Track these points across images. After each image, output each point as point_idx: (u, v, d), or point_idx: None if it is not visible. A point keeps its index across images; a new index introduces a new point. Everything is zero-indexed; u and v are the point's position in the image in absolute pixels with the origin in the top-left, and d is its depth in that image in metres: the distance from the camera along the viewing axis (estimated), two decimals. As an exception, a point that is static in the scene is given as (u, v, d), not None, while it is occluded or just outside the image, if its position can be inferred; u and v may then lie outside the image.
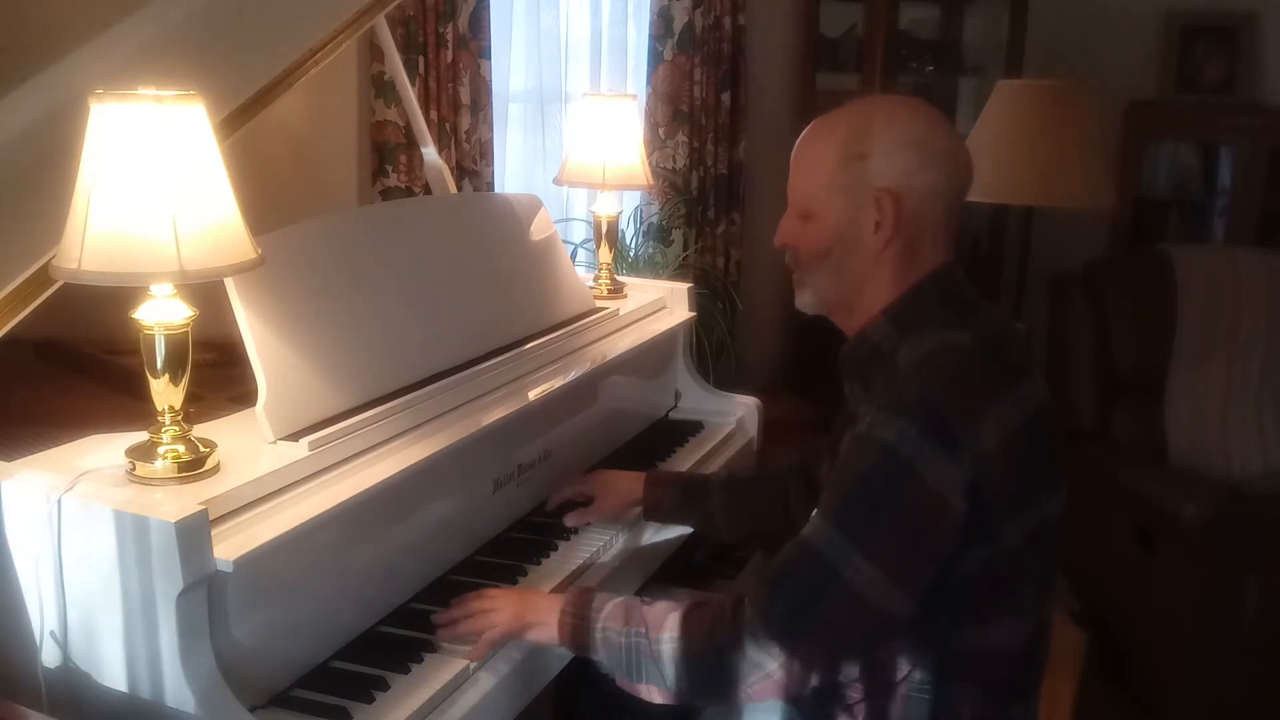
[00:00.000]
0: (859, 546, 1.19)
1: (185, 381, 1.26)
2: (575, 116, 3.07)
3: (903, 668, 1.29)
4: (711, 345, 3.41)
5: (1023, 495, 1.24)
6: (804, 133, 1.38)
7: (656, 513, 1.81)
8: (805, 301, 1.41)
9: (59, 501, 1.20)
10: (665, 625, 1.30)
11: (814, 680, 1.26)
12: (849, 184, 1.31)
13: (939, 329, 1.28)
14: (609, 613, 1.35)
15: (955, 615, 1.27)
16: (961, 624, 1.28)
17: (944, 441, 1.18)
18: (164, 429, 1.27)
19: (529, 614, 1.40)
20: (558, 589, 1.58)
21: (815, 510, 1.25)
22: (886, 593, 1.20)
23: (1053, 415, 1.32)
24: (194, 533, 1.16)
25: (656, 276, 3.12)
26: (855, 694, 1.33)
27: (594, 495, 1.79)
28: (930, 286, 1.32)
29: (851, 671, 1.32)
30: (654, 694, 1.32)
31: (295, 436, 1.37)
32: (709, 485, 1.79)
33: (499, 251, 1.91)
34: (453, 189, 2.29)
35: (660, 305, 2.34)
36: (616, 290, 2.30)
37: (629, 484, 1.81)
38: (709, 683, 1.27)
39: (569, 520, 1.76)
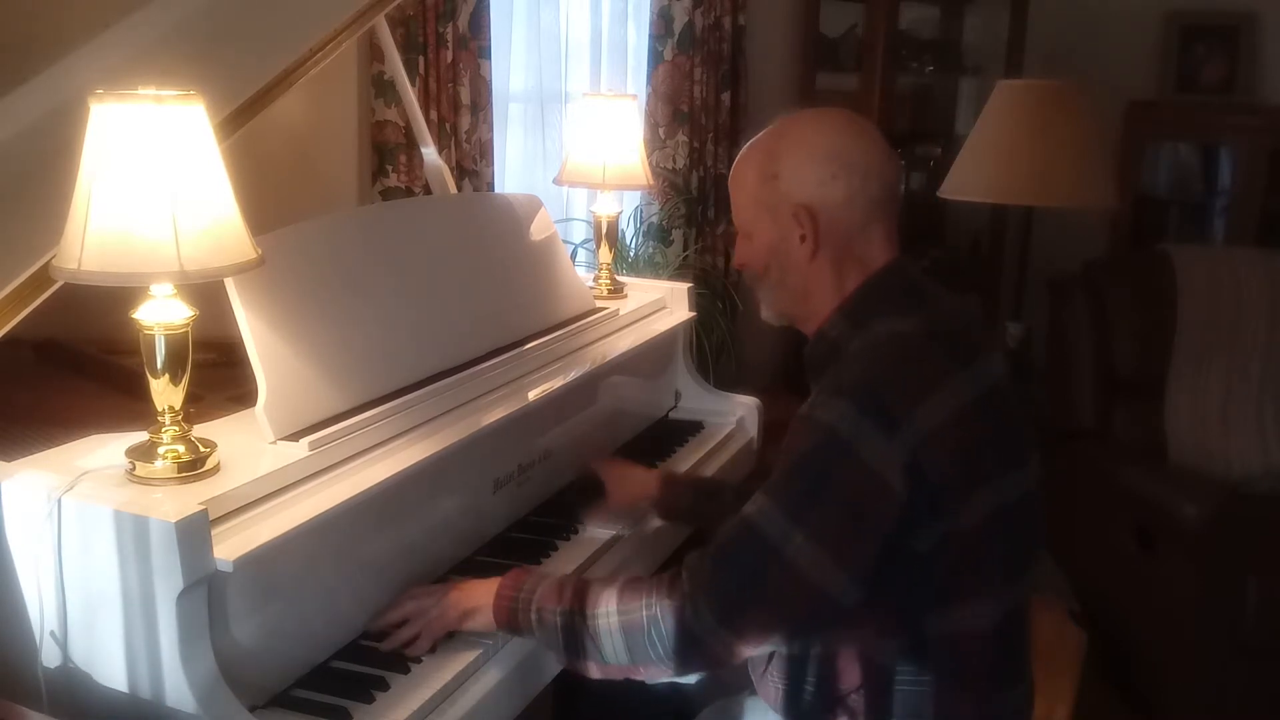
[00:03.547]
0: (800, 525, 1.22)
1: (185, 381, 1.26)
2: (575, 116, 3.06)
3: (883, 657, 1.30)
4: (711, 345, 3.41)
5: (975, 474, 1.26)
6: (737, 156, 1.44)
7: (670, 513, 1.83)
8: (766, 315, 1.48)
9: (59, 501, 1.20)
10: (600, 600, 1.33)
11: (749, 654, 1.30)
12: (770, 203, 1.37)
13: (887, 318, 1.32)
14: (543, 592, 1.37)
15: (919, 596, 1.28)
16: (928, 605, 1.28)
17: (883, 421, 1.21)
18: (164, 429, 1.27)
19: (464, 601, 1.41)
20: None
21: (759, 489, 1.27)
22: (827, 572, 1.21)
23: (1012, 394, 1.34)
24: (194, 533, 1.16)
25: (656, 276, 3.12)
26: (848, 687, 1.33)
27: (608, 487, 1.81)
28: (881, 282, 1.36)
29: (840, 665, 1.33)
30: (591, 670, 1.35)
31: (295, 436, 1.37)
32: (723, 491, 1.80)
33: (499, 252, 1.91)
34: (453, 189, 2.29)
35: (660, 305, 2.34)
36: (616, 290, 2.30)
37: (643, 480, 1.83)
38: (646, 655, 1.30)
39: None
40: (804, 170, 1.34)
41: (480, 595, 1.41)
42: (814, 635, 1.34)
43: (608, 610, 1.32)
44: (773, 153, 1.37)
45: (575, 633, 1.33)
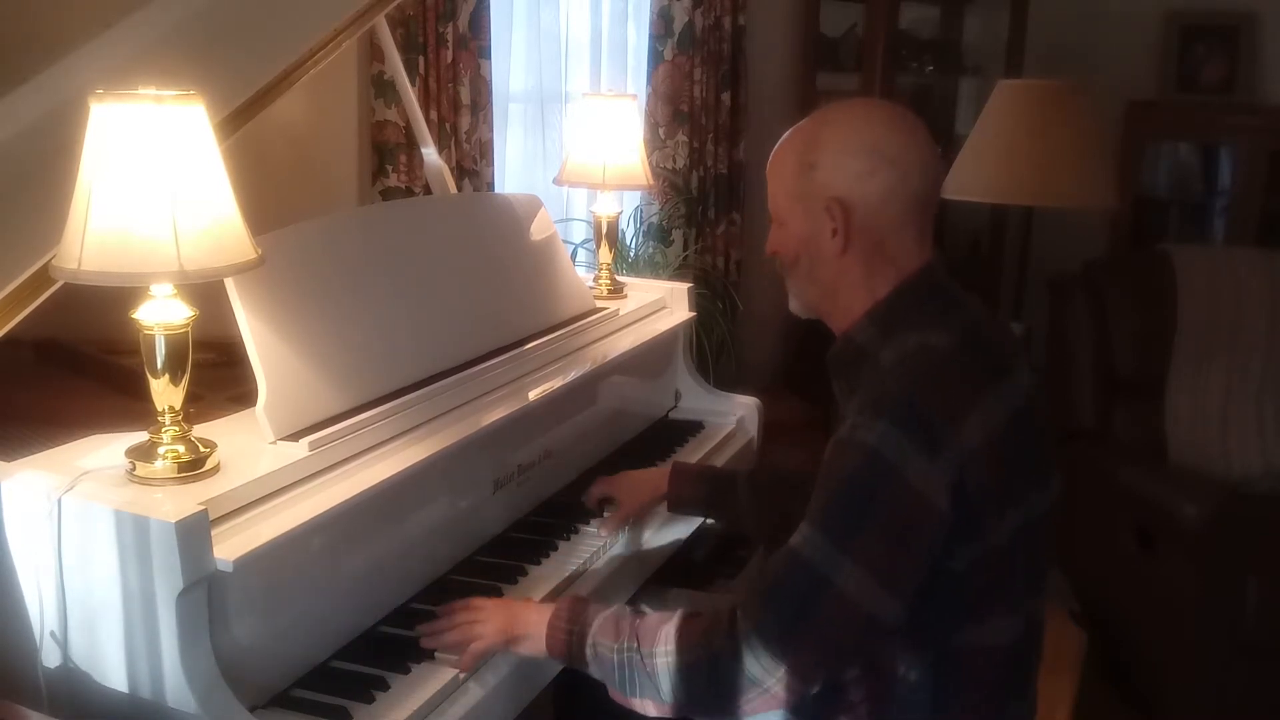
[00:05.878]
0: (847, 552, 1.19)
1: (185, 381, 1.26)
2: (575, 116, 3.06)
3: (900, 668, 1.29)
4: (711, 345, 3.41)
5: (1009, 492, 1.25)
6: (779, 142, 1.40)
7: (681, 505, 1.82)
8: (794, 306, 1.44)
9: (59, 501, 1.20)
10: (659, 639, 1.29)
11: (810, 692, 1.26)
12: (805, 193, 1.33)
13: (919, 330, 1.28)
14: (599, 626, 1.33)
15: (949, 615, 1.27)
16: (956, 624, 1.27)
17: (926, 441, 1.18)
18: (164, 429, 1.27)
19: (515, 628, 1.39)
20: (558, 589, 1.59)
21: (804, 518, 1.25)
22: (876, 597, 1.19)
23: (1039, 411, 1.32)
24: (194, 533, 1.16)
25: (656, 276, 3.12)
26: (855, 695, 1.32)
27: (620, 497, 1.80)
28: (912, 288, 1.33)
29: (850, 673, 1.32)
30: (649, 708, 1.31)
31: (295, 436, 1.37)
32: (735, 482, 1.80)
33: (499, 251, 1.91)
34: (453, 189, 2.29)
35: (660, 305, 2.33)
36: (616, 290, 2.30)
37: (654, 478, 1.82)
38: (705, 696, 1.27)
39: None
40: (842, 162, 1.30)
41: (532, 623, 1.39)
42: (863, 659, 1.31)
43: (665, 649, 1.27)
44: (814, 141, 1.33)
45: (633, 670, 1.29)
